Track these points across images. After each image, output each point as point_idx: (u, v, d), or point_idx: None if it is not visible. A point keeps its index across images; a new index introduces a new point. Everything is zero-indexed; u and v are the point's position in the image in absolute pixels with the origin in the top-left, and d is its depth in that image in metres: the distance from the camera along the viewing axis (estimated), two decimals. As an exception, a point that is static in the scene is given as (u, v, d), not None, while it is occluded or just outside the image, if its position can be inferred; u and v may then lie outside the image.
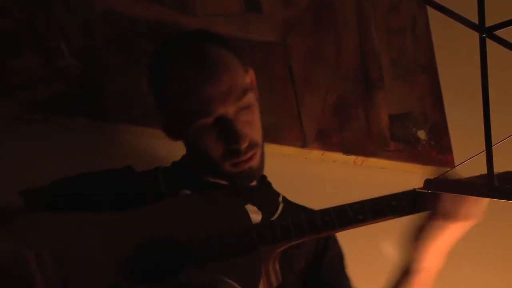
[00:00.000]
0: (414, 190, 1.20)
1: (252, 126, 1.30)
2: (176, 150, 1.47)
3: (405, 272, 1.27)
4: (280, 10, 1.99)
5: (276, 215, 1.37)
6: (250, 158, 1.30)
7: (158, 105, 1.37)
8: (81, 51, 1.67)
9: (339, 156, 1.95)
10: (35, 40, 1.61)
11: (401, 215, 1.24)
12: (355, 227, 1.24)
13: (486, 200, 1.21)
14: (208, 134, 1.27)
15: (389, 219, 1.24)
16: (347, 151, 1.95)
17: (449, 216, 1.21)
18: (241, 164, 1.29)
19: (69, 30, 1.66)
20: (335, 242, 1.46)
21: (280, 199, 1.45)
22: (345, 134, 1.97)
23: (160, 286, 1.15)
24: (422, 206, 1.23)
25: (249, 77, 1.34)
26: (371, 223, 1.24)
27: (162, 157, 1.48)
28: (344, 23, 2.10)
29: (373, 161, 1.99)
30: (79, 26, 1.68)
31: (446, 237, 1.24)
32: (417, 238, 1.25)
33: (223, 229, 1.20)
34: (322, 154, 1.92)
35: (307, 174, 1.90)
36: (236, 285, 1.12)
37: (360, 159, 1.98)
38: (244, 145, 1.27)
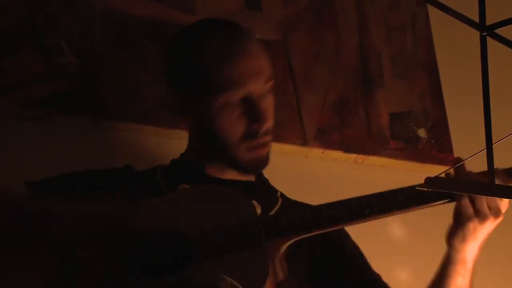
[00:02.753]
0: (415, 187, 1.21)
1: (269, 113, 1.33)
2: (175, 147, 1.48)
3: (448, 262, 1.30)
4: (280, 9, 1.99)
5: (274, 210, 1.37)
6: (265, 145, 1.33)
7: (175, 82, 1.37)
8: (81, 49, 1.66)
9: (339, 155, 1.95)
10: (35, 38, 1.61)
11: (407, 210, 1.24)
12: (362, 222, 1.24)
13: None
14: (232, 110, 1.29)
15: (396, 214, 1.24)
16: (347, 149, 1.95)
17: (485, 216, 1.23)
18: (256, 149, 1.32)
19: (69, 28, 1.66)
20: (347, 234, 1.47)
21: (279, 194, 1.45)
22: (346, 132, 1.97)
23: (161, 281, 1.14)
24: (429, 198, 1.23)
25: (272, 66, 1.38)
26: (378, 218, 1.24)
27: (162, 155, 1.48)
28: (344, 21, 2.10)
29: (373, 159, 1.99)
30: (79, 24, 1.68)
31: (483, 232, 1.26)
32: (457, 234, 1.27)
33: (229, 223, 1.19)
34: (323, 153, 1.92)
35: (308, 173, 1.90)
36: (235, 282, 1.11)
37: (360, 157, 1.98)
38: (266, 126, 1.31)
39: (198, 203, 1.23)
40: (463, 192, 1.19)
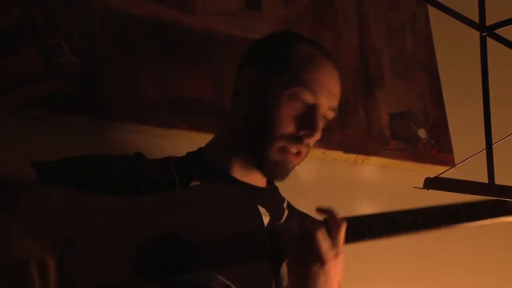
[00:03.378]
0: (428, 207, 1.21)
1: (320, 133, 1.35)
2: (175, 147, 1.47)
3: None
4: (280, 9, 1.99)
5: (282, 220, 1.36)
6: (298, 154, 1.34)
7: (259, 61, 1.40)
8: (81, 49, 1.66)
9: (339, 155, 1.95)
10: (35, 38, 1.61)
11: (416, 232, 1.23)
12: (368, 241, 1.22)
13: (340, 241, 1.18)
14: (296, 105, 1.32)
15: (404, 235, 1.23)
16: (347, 149, 1.95)
17: (301, 261, 1.17)
18: (289, 153, 1.33)
19: (69, 28, 1.66)
20: None
21: (285, 205, 1.44)
22: (346, 132, 1.97)
23: (158, 284, 1.13)
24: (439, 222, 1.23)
25: None
26: (384, 238, 1.23)
27: (161, 155, 1.48)
28: (344, 21, 2.10)
29: (373, 159, 1.99)
30: (79, 24, 1.68)
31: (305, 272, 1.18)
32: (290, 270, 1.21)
33: (235, 228, 1.18)
34: (323, 153, 1.92)
35: (308, 173, 1.90)
36: (228, 282, 1.10)
37: (360, 157, 1.97)
38: (312, 138, 1.33)
39: (207, 206, 1.22)
40: (462, 192, 1.19)
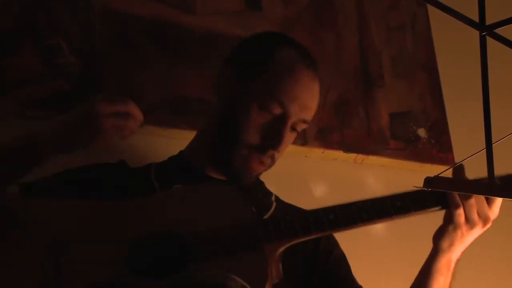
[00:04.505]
0: (417, 189, 1.21)
1: (284, 146, 1.35)
2: (175, 147, 1.47)
3: (433, 262, 1.31)
4: (280, 9, 1.99)
5: (269, 214, 1.37)
6: (262, 163, 1.34)
7: (240, 61, 1.39)
8: (81, 49, 1.66)
9: (339, 154, 1.95)
10: (35, 38, 1.61)
11: (404, 216, 1.24)
12: (360, 227, 1.23)
13: (499, 201, 1.27)
14: (263, 116, 1.31)
15: (394, 218, 1.24)
16: (347, 149, 1.95)
17: (474, 224, 1.26)
18: (253, 161, 1.32)
19: (69, 28, 1.66)
20: (336, 243, 1.46)
21: (273, 198, 1.45)
22: (346, 132, 1.97)
23: (165, 281, 1.13)
24: (426, 204, 1.24)
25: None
26: (376, 223, 1.24)
27: (161, 155, 1.48)
28: (344, 21, 2.10)
29: (373, 159, 1.99)
30: (79, 24, 1.68)
31: (470, 238, 1.29)
32: (445, 238, 1.29)
33: (227, 224, 1.18)
34: (323, 152, 1.92)
35: (308, 172, 1.90)
36: (244, 282, 1.11)
37: (360, 157, 1.98)
38: (274, 152, 1.32)
39: (195, 202, 1.22)
40: (462, 192, 1.19)
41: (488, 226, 1.27)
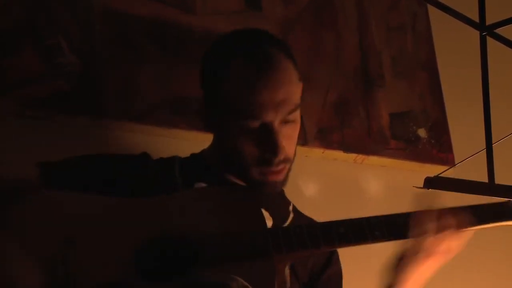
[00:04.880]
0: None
1: (291, 141, 1.30)
2: (175, 147, 1.47)
3: None
4: (280, 9, 1.99)
5: (286, 223, 1.36)
6: (279, 172, 1.29)
7: (208, 97, 1.35)
8: (81, 49, 1.66)
9: (339, 154, 1.95)
10: (35, 38, 1.61)
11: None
12: (371, 243, 1.20)
13: (467, 234, 1.22)
14: (249, 136, 1.26)
15: (408, 238, 1.22)
16: (347, 149, 1.95)
17: (431, 253, 1.22)
18: (269, 174, 1.28)
19: (69, 27, 1.66)
20: (337, 259, 1.44)
21: (291, 208, 1.43)
22: (346, 132, 1.97)
23: (170, 284, 1.13)
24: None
25: (300, 92, 1.33)
26: (388, 241, 1.21)
27: (156, 154, 1.47)
28: (344, 21, 2.10)
29: (373, 159, 1.99)
30: (79, 24, 1.68)
31: (427, 270, 1.25)
32: (399, 268, 1.25)
33: (237, 230, 1.18)
34: (323, 152, 1.92)
35: (308, 172, 1.90)
36: (246, 283, 1.10)
37: (360, 157, 1.97)
38: (279, 158, 1.27)
39: (207, 205, 1.22)
40: (462, 192, 1.19)
41: (447, 258, 1.23)
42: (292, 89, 1.28)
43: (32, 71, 1.59)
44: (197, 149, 1.44)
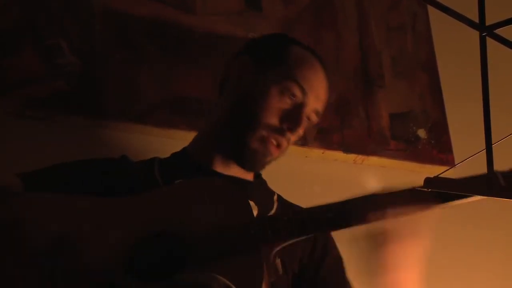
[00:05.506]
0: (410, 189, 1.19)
1: (302, 130, 1.39)
2: (175, 147, 1.47)
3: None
4: (280, 9, 1.99)
5: (271, 213, 1.37)
6: (278, 145, 1.36)
7: (255, 52, 1.44)
8: (81, 49, 1.67)
9: (339, 155, 1.95)
10: (35, 38, 1.61)
11: (404, 215, 1.22)
12: (361, 225, 1.20)
13: (432, 215, 1.19)
14: (284, 99, 1.35)
15: (392, 218, 1.21)
16: (347, 149, 1.95)
17: (397, 238, 1.19)
18: (269, 144, 1.35)
19: (69, 28, 1.67)
20: (334, 245, 1.45)
21: (275, 197, 1.45)
22: (346, 132, 1.97)
23: (156, 285, 1.13)
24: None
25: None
26: (377, 221, 1.20)
27: (156, 154, 1.48)
28: (344, 21, 2.10)
29: (373, 159, 1.99)
30: (79, 24, 1.68)
31: (404, 259, 1.21)
32: (379, 266, 1.22)
33: (224, 222, 1.18)
34: (323, 153, 1.92)
35: (308, 173, 1.90)
36: (229, 283, 1.10)
37: (360, 157, 1.98)
38: (292, 134, 1.36)
39: (194, 200, 1.21)
40: (462, 192, 1.19)
41: (418, 241, 1.19)
42: (326, 100, 1.43)
43: (32, 71, 1.59)
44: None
